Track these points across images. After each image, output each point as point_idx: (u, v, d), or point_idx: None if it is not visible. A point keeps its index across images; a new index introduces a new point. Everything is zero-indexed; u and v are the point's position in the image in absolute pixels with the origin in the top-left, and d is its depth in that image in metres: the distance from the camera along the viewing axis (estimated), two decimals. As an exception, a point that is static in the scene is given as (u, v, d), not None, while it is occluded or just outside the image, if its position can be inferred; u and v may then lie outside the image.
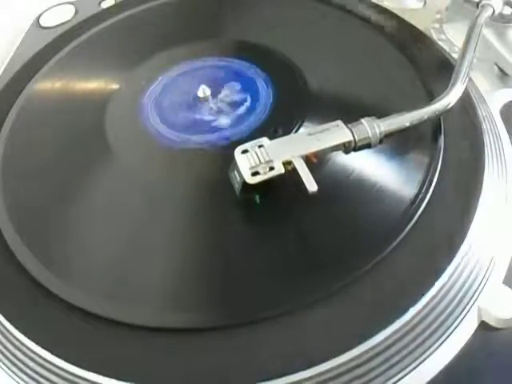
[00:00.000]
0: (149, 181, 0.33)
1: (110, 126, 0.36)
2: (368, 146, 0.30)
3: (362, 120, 0.30)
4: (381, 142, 0.30)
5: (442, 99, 0.31)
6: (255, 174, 0.28)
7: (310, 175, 0.27)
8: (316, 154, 0.29)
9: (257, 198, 0.30)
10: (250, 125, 0.34)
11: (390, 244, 0.28)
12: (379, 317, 0.26)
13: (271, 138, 0.30)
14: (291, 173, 0.28)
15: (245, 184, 0.28)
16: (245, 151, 0.29)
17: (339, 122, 0.30)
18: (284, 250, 0.29)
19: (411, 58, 0.37)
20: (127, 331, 0.27)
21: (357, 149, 0.29)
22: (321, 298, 0.26)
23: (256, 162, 0.28)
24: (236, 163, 0.29)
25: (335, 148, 0.29)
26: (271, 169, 0.28)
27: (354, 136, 0.29)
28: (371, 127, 0.29)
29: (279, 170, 0.28)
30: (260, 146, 0.29)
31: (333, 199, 0.30)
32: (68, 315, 0.28)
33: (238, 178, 0.29)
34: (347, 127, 0.29)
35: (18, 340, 0.28)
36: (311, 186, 0.27)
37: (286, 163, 0.28)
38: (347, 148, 0.29)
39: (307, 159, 0.28)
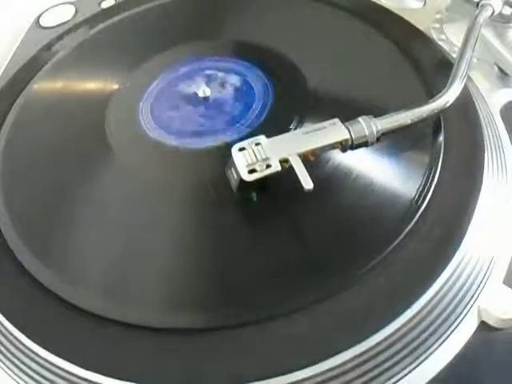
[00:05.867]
0: (149, 181, 0.33)
1: (110, 126, 0.36)
2: (365, 144, 0.30)
3: (359, 118, 0.30)
4: (378, 140, 0.30)
5: (439, 98, 0.31)
6: (252, 171, 0.28)
7: (306, 173, 0.27)
8: (313, 152, 0.29)
9: (253, 195, 0.30)
10: (249, 124, 0.34)
11: (390, 244, 0.28)
12: (379, 316, 0.26)
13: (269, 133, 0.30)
14: (288, 171, 0.28)
15: (241, 181, 0.28)
16: (242, 149, 0.29)
17: (336, 121, 0.30)
18: (283, 249, 0.29)
19: (411, 57, 0.37)
20: (127, 331, 0.27)
21: (354, 147, 0.30)
22: (320, 297, 0.26)
23: (253, 159, 0.28)
24: (233, 160, 0.29)
25: (332, 146, 0.29)
26: (268, 166, 0.28)
27: (350, 134, 0.29)
28: (368, 125, 0.29)
29: (276, 167, 0.28)
30: (257, 144, 0.29)
31: (332, 199, 0.30)
32: (68, 315, 0.28)
33: (235, 176, 0.29)
34: (344, 125, 0.29)
35: (17, 340, 0.28)
36: (307, 183, 0.27)
37: (283, 161, 0.28)
38: (344, 146, 0.29)
39: (304, 157, 0.29)
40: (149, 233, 0.31)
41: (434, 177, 0.30)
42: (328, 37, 0.40)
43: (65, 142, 0.36)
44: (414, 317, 0.26)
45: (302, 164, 0.28)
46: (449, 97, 0.32)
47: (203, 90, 0.36)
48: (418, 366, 0.26)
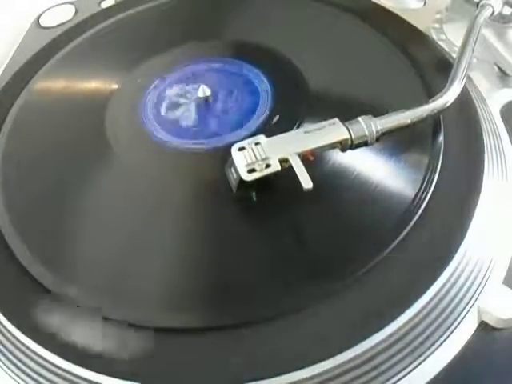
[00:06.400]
0: (149, 180, 0.33)
1: (110, 126, 0.36)
2: (365, 144, 0.30)
3: (359, 118, 0.30)
4: (377, 140, 0.30)
5: (439, 98, 0.31)
6: (251, 171, 0.28)
7: (306, 172, 0.27)
8: (313, 152, 0.29)
9: (253, 194, 0.30)
10: (249, 124, 0.34)
11: (389, 244, 0.28)
12: (379, 316, 0.26)
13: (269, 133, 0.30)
14: (288, 170, 0.28)
15: (241, 181, 0.28)
16: (241, 148, 0.29)
17: (336, 120, 0.30)
18: (282, 249, 0.29)
19: (411, 57, 0.37)
20: (127, 331, 0.27)
21: (353, 147, 0.30)
22: (320, 297, 0.26)
23: (252, 159, 0.28)
24: (233, 160, 0.29)
25: (332, 146, 0.29)
26: (267, 166, 0.28)
27: (350, 134, 0.29)
28: (368, 125, 0.29)
29: (275, 167, 0.28)
30: (257, 144, 0.29)
31: (332, 199, 0.30)
32: (68, 315, 0.28)
33: (235, 175, 0.29)
34: (344, 125, 0.29)
35: (18, 340, 0.28)
36: (306, 183, 0.27)
37: (283, 161, 0.28)
38: (344, 146, 0.29)
39: (304, 157, 0.29)
40: (149, 233, 0.31)
41: (433, 177, 0.30)
42: (328, 37, 0.40)
43: (65, 142, 0.36)
44: (414, 317, 0.26)
45: (301, 164, 0.28)
46: (449, 97, 0.32)
47: (203, 90, 0.36)
48: (418, 366, 0.26)
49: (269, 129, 0.33)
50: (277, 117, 0.32)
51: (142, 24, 0.45)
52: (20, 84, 0.41)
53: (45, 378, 0.27)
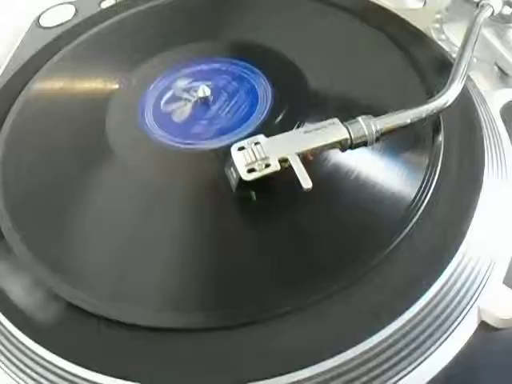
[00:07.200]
0: (149, 181, 0.33)
1: (110, 126, 0.36)
2: (364, 144, 0.30)
3: (359, 118, 0.30)
4: (377, 140, 0.30)
5: (439, 97, 0.31)
6: (251, 170, 0.28)
7: (305, 172, 0.27)
8: (312, 152, 0.29)
9: (253, 194, 0.30)
10: (249, 125, 0.34)
11: (389, 244, 0.28)
12: (379, 317, 0.26)
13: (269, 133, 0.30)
14: (287, 170, 0.28)
15: (241, 181, 0.28)
16: (241, 148, 0.29)
17: (335, 120, 0.30)
18: (281, 249, 0.29)
19: (411, 57, 0.37)
20: (127, 331, 0.27)
21: (353, 147, 0.30)
22: (320, 298, 0.26)
23: (252, 158, 0.28)
24: (232, 160, 0.29)
25: (331, 146, 0.29)
26: (267, 166, 0.28)
27: (350, 134, 0.29)
28: (367, 125, 0.29)
29: (275, 167, 0.28)
30: (256, 143, 0.29)
31: (331, 199, 0.30)
32: (68, 315, 0.28)
33: (234, 175, 0.29)
34: (344, 125, 0.29)
35: (18, 340, 0.28)
36: (306, 183, 0.27)
37: (282, 160, 0.28)
38: (343, 146, 0.29)
39: (303, 157, 0.29)
40: (148, 233, 0.31)
41: (433, 177, 0.30)
42: (328, 37, 0.40)
43: (65, 142, 0.36)
44: (413, 317, 0.26)
45: (300, 163, 0.28)
46: (448, 97, 0.32)
47: (203, 90, 0.36)
48: (418, 366, 0.26)
49: (269, 128, 0.33)
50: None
51: (142, 24, 0.45)
52: (20, 84, 0.41)
53: (45, 378, 0.27)
